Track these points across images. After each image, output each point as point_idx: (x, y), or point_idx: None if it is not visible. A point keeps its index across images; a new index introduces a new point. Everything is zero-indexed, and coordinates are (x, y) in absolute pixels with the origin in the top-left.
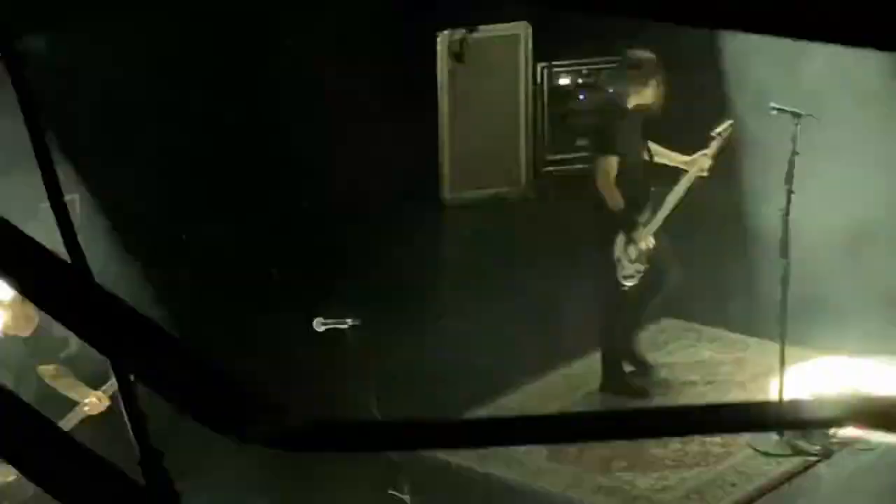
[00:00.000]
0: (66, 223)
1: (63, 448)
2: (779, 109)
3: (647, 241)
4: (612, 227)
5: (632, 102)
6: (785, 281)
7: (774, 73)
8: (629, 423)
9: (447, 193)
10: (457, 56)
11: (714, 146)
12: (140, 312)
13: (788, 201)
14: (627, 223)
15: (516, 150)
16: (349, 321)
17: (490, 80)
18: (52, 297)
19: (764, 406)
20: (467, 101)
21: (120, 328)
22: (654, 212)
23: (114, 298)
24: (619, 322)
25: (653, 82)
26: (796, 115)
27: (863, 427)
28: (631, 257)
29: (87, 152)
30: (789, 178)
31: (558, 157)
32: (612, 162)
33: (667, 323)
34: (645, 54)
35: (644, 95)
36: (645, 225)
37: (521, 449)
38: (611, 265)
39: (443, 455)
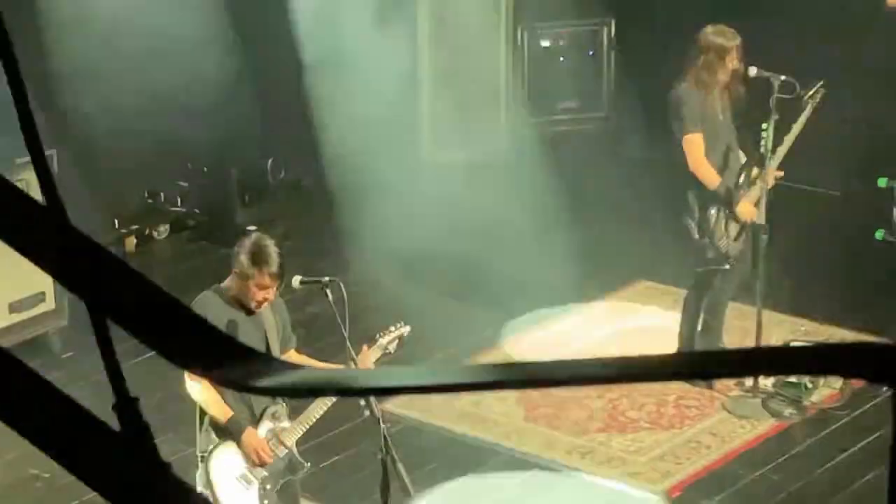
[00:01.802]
0: (47, 175)
1: (36, 391)
2: (758, 73)
3: (750, 214)
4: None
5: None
6: (762, 243)
7: None
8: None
9: (426, 153)
10: (437, 15)
11: (806, 114)
12: (117, 256)
13: (768, 164)
14: (726, 199)
15: (496, 111)
16: (327, 278)
17: (470, 40)
18: (28, 238)
19: (737, 353)
20: (447, 60)
21: (96, 270)
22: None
23: (90, 241)
24: (704, 306)
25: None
26: (776, 79)
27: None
28: (732, 235)
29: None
30: (768, 142)
31: (538, 118)
32: (698, 138)
33: (643, 285)
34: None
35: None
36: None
37: (498, 409)
38: (703, 248)
39: (417, 415)
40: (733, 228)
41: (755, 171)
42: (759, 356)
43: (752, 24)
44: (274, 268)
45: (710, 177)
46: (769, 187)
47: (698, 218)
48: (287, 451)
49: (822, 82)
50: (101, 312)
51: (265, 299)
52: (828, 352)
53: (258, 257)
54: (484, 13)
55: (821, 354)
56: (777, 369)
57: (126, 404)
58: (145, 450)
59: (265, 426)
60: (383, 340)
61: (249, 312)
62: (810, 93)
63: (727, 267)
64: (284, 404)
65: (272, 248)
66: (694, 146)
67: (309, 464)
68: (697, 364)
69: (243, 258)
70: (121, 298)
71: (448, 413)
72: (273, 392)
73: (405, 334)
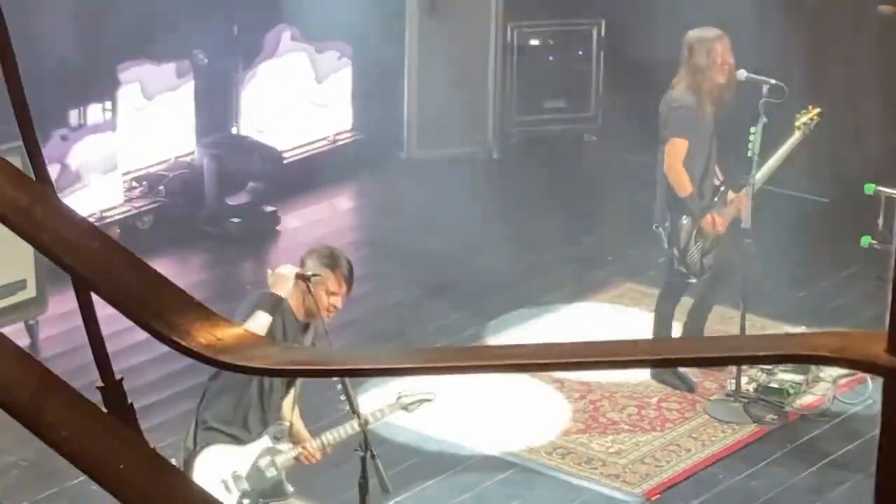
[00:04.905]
0: (37, 152)
1: (24, 366)
2: (747, 77)
3: (718, 227)
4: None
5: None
6: (748, 249)
7: None
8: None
9: (411, 150)
10: (426, 11)
11: (794, 140)
12: (105, 232)
13: (756, 170)
14: (696, 210)
15: (484, 109)
16: (310, 272)
17: (459, 37)
18: (17, 213)
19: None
20: (435, 57)
21: (84, 245)
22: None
23: (80, 217)
24: (676, 315)
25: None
26: (765, 84)
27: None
28: (705, 249)
29: None
30: (756, 146)
31: (525, 117)
32: (682, 145)
33: (627, 288)
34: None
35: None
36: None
37: (478, 407)
38: (671, 257)
39: (397, 411)
40: (707, 242)
41: (731, 193)
42: (753, 342)
43: (740, 28)
44: (345, 270)
45: (683, 183)
46: (748, 208)
47: (669, 228)
48: (276, 473)
49: (818, 110)
50: (87, 289)
51: (334, 307)
52: (821, 340)
53: (330, 260)
54: (474, 10)
55: (814, 342)
56: (771, 356)
57: (111, 384)
58: (130, 430)
59: (263, 443)
60: (404, 400)
61: (306, 326)
62: (802, 119)
63: (693, 280)
64: (289, 426)
65: (343, 254)
66: (676, 149)
67: (293, 489)
68: (692, 349)
69: (312, 262)
70: (108, 274)
71: (427, 410)
72: (244, 370)
73: (427, 401)
